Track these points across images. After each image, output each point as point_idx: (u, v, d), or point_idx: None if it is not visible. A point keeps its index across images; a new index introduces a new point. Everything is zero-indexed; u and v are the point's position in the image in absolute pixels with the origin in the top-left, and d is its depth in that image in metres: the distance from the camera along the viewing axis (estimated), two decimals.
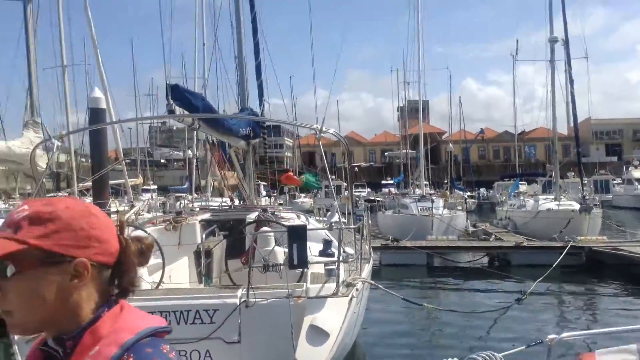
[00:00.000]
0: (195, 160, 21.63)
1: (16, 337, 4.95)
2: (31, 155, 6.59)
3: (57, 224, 1.04)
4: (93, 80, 37.06)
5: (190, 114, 7.48)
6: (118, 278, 1.11)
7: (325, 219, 11.47)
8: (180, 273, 6.83)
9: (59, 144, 5.81)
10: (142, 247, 1.14)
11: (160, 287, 5.79)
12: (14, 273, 1.01)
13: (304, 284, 5.33)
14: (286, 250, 5.72)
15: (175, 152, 67.31)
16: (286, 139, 71.11)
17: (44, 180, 8.29)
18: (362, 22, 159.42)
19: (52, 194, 16.58)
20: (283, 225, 6.75)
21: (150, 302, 4.61)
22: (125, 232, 1.14)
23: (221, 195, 22.71)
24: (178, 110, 7.47)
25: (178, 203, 20.80)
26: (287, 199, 30.51)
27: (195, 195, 19.63)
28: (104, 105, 15.88)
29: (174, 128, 73.92)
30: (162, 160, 66.50)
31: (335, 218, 5.73)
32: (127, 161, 22.59)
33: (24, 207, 1.07)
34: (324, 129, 6.05)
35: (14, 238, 1.01)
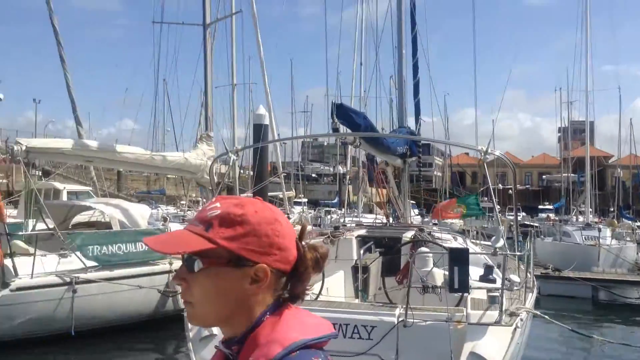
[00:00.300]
0: (346, 177, 22.14)
1: (191, 334, 5.38)
2: (210, 167, 7.16)
3: (245, 228, 1.06)
4: (255, 97, 39.75)
5: (352, 132, 7.68)
6: (292, 285, 1.12)
7: (478, 241, 11.07)
8: (336, 287, 6.95)
9: (235, 157, 6.27)
10: (318, 256, 1.13)
11: (318, 299, 5.95)
12: (200, 269, 1.06)
13: (464, 309, 5.17)
14: (445, 272, 5.59)
15: (326, 167, 69.37)
16: (435, 157, 69.93)
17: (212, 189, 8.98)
18: (519, 39, 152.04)
19: None
20: (443, 246, 6.62)
21: None
22: (304, 240, 1.15)
23: (370, 211, 22.95)
24: (341, 128, 7.72)
25: (329, 217, 21.42)
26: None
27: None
28: (267, 122, 16.94)
29: (325, 144, 76.35)
30: (313, 175, 68.79)
31: (500, 243, 5.49)
32: (284, 174, 23.74)
33: (216, 205, 1.09)
34: (489, 150, 5.87)
35: (205, 236, 1.05)
